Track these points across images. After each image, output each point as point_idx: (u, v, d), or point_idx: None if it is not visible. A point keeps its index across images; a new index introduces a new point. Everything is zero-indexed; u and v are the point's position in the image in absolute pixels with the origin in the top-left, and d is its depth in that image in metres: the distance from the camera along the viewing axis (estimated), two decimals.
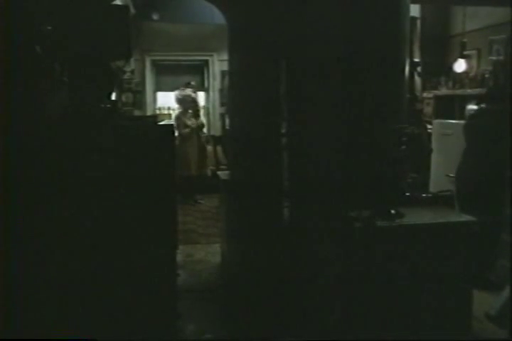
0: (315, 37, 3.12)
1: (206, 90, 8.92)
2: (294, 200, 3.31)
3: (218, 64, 8.53)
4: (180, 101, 7.23)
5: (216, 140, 7.71)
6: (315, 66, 3.14)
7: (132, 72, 8.12)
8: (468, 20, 6.04)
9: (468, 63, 5.96)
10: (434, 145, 5.23)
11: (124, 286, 2.34)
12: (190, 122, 7.12)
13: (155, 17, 7.33)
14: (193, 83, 7.84)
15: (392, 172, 3.02)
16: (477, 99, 4.61)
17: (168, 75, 8.96)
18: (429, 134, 5.46)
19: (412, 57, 4.16)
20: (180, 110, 7.24)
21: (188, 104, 7.18)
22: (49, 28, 2.33)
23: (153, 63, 8.69)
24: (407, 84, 3.40)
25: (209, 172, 7.20)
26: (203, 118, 8.06)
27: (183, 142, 6.90)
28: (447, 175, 4.56)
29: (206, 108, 8.94)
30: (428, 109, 6.50)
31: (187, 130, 7.01)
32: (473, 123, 4.29)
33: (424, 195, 3.37)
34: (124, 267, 2.33)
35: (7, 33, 2.13)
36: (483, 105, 4.31)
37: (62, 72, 2.46)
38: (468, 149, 4.20)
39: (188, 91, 7.35)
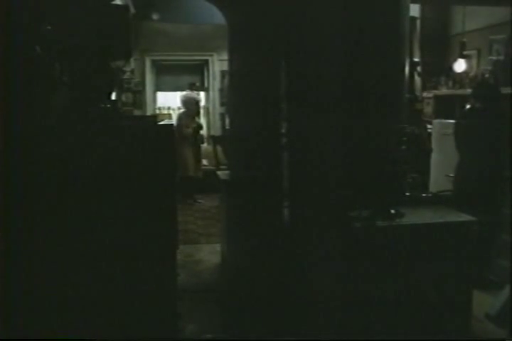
0: (315, 37, 3.12)
1: (206, 90, 8.92)
2: (294, 200, 3.31)
3: (218, 64, 8.53)
4: (185, 103, 7.29)
5: (216, 140, 7.72)
6: (315, 66, 3.14)
7: (132, 72, 8.12)
8: (468, 20, 6.03)
9: (468, 63, 5.96)
10: (434, 145, 5.23)
11: (124, 286, 2.34)
12: (192, 123, 7.17)
13: (155, 17, 7.33)
14: (197, 84, 7.91)
15: (392, 172, 3.02)
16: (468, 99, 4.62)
17: (168, 75, 8.96)
18: (429, 134, 5.46)
19: (412, 57, 4.16)
20: (184, 111, 7.29)
21: (192, 107, 7.24)
22: (49, 28, 2.32)
23: (153, 63, 8.69)
24: (407, 84, 3.40)
25: (201, 175, 7.23)
26: (202, 120, 8.11)
27: (182, 142, 6.92)
28: (447, 175, 4.56)
29: (206, 108, 8.95)
30: (428, 109, 6.49)
31: (189, 130, 7.05)
32: (463, 123, 4.30)
33: (424, 195, 3.37)
34: (124, 267, 2.33)
35: (7, 33, 2.13)
36: (472, 104, 4.32)
37: (62, 72, 2.46)
38: (461, 149, 4.22)
39: (194, 94, 7.44)
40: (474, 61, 6.13)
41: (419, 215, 3.02)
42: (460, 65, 5.89)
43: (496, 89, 4.29)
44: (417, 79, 5.55)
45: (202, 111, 8.47)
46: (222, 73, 8.39)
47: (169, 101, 9.46)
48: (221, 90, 8.64)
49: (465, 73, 6.04)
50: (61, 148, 2.24)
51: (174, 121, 7.39)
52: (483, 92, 4.24)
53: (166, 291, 2.45)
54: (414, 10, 5.41)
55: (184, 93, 7.55)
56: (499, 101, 4.18)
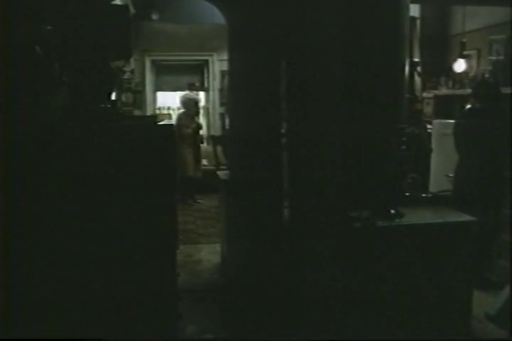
0: (315, 37, 3.12)
1: (206, 90, 8.92)
2: (294, 200, 3.31)
3: (218, 64, 8.53)
4: (185, 104, 7.29)
5: (216, 140, 7.71)
6: (315, 66, 3.14)
7: (132, 72, 8.12)
8: (468, 20, 6.04)
9: (468, 63, 5.96)
10: (434, 145, 5.23)
11: (124, 286, 2.34)
12: (191, 124, 7.18)
13: (155, 17, 7.34)
14: (196, 84, 7.91)
15: (392, 172, 3.02)
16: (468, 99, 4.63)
17: (168, 75, 8.96)
18: (429, 134, 5.46)
19: (412, 57, 4.17)
20: (183, 111, 7.29)
21: (192, 108, 7.24)
22: (49, 28, 2.32)
23: (153, 63, 8.69)
24: (407, 84, 3.40)
25: (200, 175, 7.23)
26: (201, 119, 8.11)
27: (182, 143, 6.92)
28: (447, 175, 4.56)
29: (206, 108, 8.95)
30: (428, 109, 6.49)
31: (188, 130, 7.05)
32: (463, 123, 4.31)
33: (424, 195, 3.37)
34: (124, 267, 2.33)
35: (7, 33, 2.13)
36: (472, 104, 4.32)
37: (62, 72, 2.46)
38: (461, 149, 4.22)
39: (193, 94, 7.43)
40: (474, 61, 6.13)
41: (419, 215, 3.02)
42: (460, 65, 5.89)
43: (495, 89, 4.28)
44: (417, 79, 5.55)
45: (202, 111, 8.48)
46: (222, 73, 8.39)
47: (169, 101, 9.46)
48: (221, 90, 8.64)
49: (465, 73, 6.04)
50: (61, 148, 2.24)
51: (174, 121, 7.39)
52: (483, 92, 4.24)
53: (166, 291, 2.45)
54: (414, 10, 5.42)
55: (184, 93, 7.55)
56: (499, 100, 4.19)
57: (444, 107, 6.22)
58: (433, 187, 4.82)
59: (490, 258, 4.09)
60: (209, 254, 4.98)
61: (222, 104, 8.65)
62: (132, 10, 5.75)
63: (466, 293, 3.00)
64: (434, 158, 5.21)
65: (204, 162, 7.77)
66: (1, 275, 2.13)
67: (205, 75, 8.97)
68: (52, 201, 2.23)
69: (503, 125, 3.94)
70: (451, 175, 4.36)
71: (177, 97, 8.07)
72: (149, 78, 8.63)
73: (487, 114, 4.08)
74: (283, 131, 3.36)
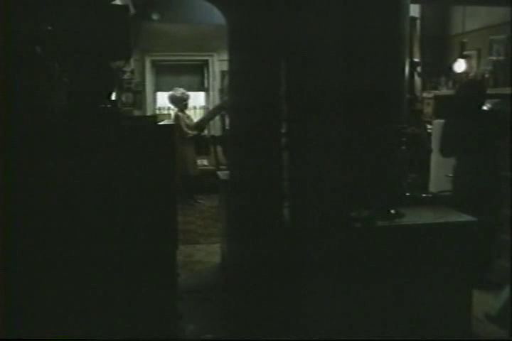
0: (315, 37, 3.12)
1: (206, 90, 8.92)
2: (294, 200, 3.31)
3: (218, 64, 8.53)
4: (174, 103, 7.29)
5: (216, 140, 7.71)
6: (315, 66, 3.14)
7: (132, 72, 8.12)
8: (468, 20, 6.04)
9: (468, 63, 5.96)
10: (434, 145, 5.22)
11: (123, 286, 2.34)
12: (189, 121, 7.17)
13: (155, 17, 7.33)
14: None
15: (392, 172, 3.02)
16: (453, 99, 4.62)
17: (168, 75, 8.96)
18: (429, 134, 5.46)
19: (412, 57, 4.17)
20: (177, 110, 7.29)
21: (180, 103, 7.22)
22: (49, 28, 2.32)
23: (153, 63, 8.69)
24: (407, 84, 3.40)
25: (198, 172, 7.23)
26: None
27: (181, 142, 6.92)
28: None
29: (206, 108, 8.95)
30: (428, 109, 6.49)
31: (189, 131, 7.05)
32: (452, 122, 4.31)
33: (424, 195, 3.37)
34: (124, 267, 2.33)
35: (7, 33, 2.14)
36: (457, 104, 4.32)
37: (62, 72, 2.46)
38: (449, 149, 4.24)
39: (179, 91, 7.39)
40: (474, 61, 6.13)
41: (419, 215, 3.02)
42: (460, 65, 5.90)
43: (478, 89, 4.28)
44: (417, 79, 5.55)
45: (202, 111, 8.46)
46: (222, 73, 8.39)
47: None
48: (221, 90, 8.63)
49: (465, 73, 6.04)
50: (61, 149, 2.24)
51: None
52: (467, 93, 4.23)
53: (166, 291, 2.45)
54: (414, 10, 5.42)
55: (170, 93, 7.52)
56: (483, 101, 4.20)
57: (444, 107, 6.21)
58: (433, 187, 4.82)
59: (490, 258, 4.09)
60: (209, 254, 4.98)
61: None
62: (132, 10, 5.74)
63: (466, 293, 3.00)
64: (434, 158, 5.21)
65: (204, 162, 7.77)
66: (1, 275, 2.14)
67: (205, 75, 8.97)
68: (51, 201, 2.23)
69: (486, 125, 3.97)
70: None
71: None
72: (149, 78, 8.63)
73: (470, 114, 4.09)
74: (283, 131, 3.36)
